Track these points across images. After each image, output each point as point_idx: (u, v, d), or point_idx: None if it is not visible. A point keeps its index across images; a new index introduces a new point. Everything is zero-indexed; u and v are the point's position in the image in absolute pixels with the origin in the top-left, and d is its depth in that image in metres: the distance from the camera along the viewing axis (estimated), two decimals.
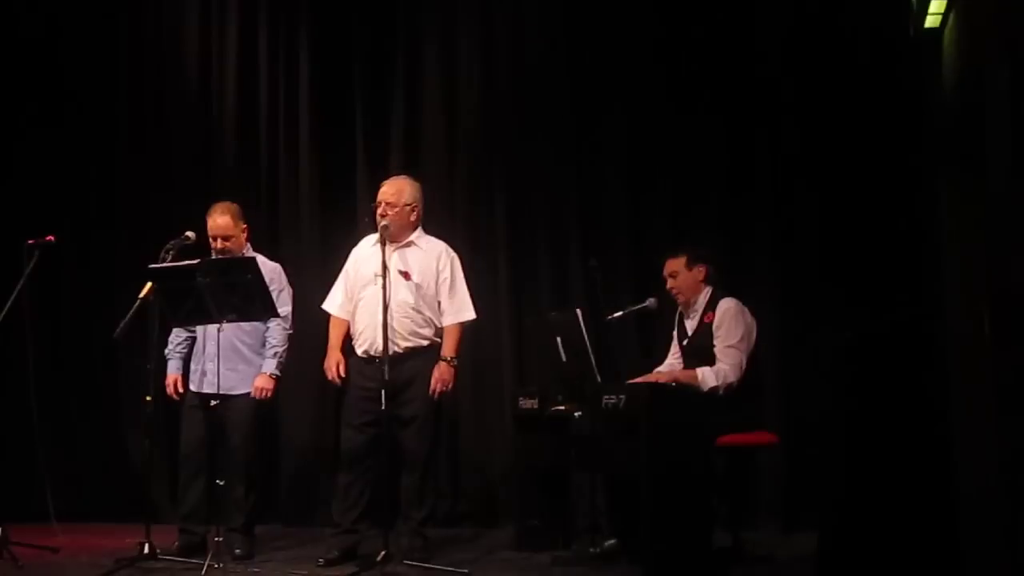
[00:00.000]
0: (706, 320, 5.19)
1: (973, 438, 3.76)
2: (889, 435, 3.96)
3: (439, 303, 5.36)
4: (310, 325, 5.87)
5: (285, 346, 5.54)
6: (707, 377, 4.99)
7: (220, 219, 5.50)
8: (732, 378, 5.00)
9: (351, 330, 5.40)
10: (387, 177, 5.64)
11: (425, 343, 5.30)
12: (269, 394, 5.51)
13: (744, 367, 5.03)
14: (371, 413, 5.16)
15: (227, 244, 5.49)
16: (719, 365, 5.02)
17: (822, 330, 5.36)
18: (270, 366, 5.50)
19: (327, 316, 5.52)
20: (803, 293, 6.00)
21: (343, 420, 5.40)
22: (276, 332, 5.51)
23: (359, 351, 5.32)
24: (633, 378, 5.19)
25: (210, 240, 5.51)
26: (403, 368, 5.17)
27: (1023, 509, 3.12)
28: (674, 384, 5.02)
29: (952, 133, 4.20)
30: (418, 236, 5.42)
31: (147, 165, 7.18)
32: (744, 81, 6.27)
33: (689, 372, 5.08)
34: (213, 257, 5.44)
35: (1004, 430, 3.25)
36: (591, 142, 6.59)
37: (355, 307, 5.37)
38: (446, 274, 5.37)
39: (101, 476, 6.92)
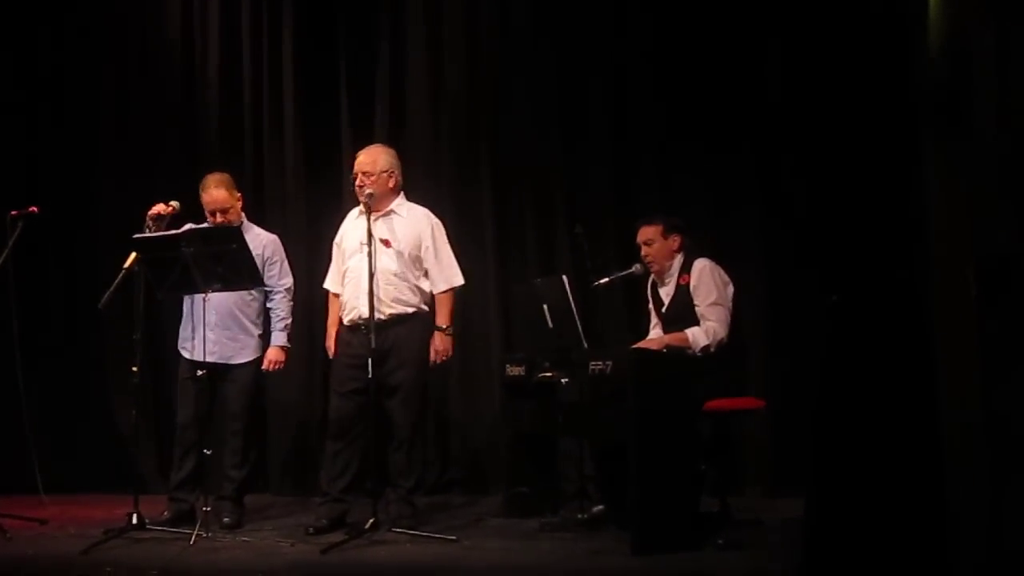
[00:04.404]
0: (682, 282, 5.17)
1: (958, 401, 3.77)
2: (875, 398, 3.98)
3: (427, 271, 5.35)
4: (297, 296, 5.85)
5: (291, 318, 5.55)
6: (698, 337, 4.98)
7: (215, 192, 5.43)
8: (723, 334, 4.99)
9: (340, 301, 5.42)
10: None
11: (410, 310, 5.29)
12: (281, 366, 5.54)
13: (729, 323, 5.04)
14: (357, 381, 5.18)
15: (226, 217, 5.43)
16: (707, 323, 5.01)
17: (808, 294, 5.38)
18: (281, 338, 5.50)
19: (315, 288, 5.50)
20: (789, 258, 6.00)
21: (331, 388, 5.41)
22: (282, 304, 5.52)
23: (345, 320, 5.33)
24: (621, 346, 5.18)
25: (207, 216, 5.45)
26: (387, 335, 5.17)
27: (1007, 468, 3.14)
28: (665, 350, 5.02)
29: (938, 96, 4.18)
30: (399, 204, 5.39)
31: (130, 134, 7.13)
32: (729, 47, 6.23)
33: (679, 335, 5.05)
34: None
35: (989, 393, 3.27)
36: (577, 107, 6.55)
37: (342, 278, 5.37)
38: (428, 242, 5.35)
39: (89, 447, 6.90)
